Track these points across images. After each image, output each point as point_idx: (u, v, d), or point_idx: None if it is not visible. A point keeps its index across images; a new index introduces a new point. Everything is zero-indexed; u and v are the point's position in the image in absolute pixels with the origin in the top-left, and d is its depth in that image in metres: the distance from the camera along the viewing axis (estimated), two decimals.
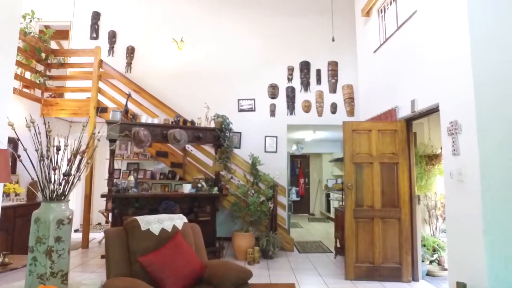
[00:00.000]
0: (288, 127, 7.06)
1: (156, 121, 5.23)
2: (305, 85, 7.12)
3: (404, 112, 4.29)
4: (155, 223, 2.70)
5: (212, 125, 5.62)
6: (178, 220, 2.85)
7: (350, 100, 7.07)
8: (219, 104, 6.95)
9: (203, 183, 5.32)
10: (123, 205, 4.79)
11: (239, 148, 6.88)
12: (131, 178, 5.01)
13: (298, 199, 11.45)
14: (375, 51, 5.59)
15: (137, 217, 2.71)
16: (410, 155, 4.28)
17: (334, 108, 7.07)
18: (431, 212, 5.17)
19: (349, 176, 4.22)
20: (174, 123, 5.34)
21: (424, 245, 4.44)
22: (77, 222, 6.98)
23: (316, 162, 11.85)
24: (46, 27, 6.48)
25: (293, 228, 8.36)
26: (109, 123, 4.81)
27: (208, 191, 5.30)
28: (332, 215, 9.64)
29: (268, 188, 5.51)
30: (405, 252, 4.07)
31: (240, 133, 6.97)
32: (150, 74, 7.15)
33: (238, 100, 7.07)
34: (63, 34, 7.86)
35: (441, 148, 5.15)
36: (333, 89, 7.14)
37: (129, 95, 5.20)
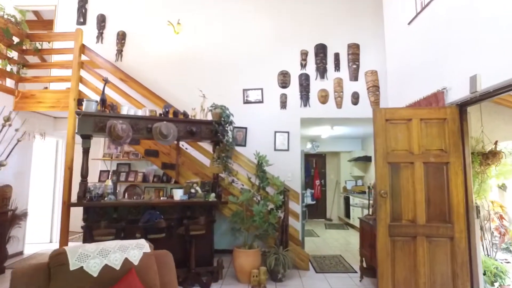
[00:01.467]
0: (301, 121, 6.05)
1: (140, 112, 4.32)
2: (321, 72, 6.09)
3: (456, 94, 3.22)
4: (95, 257, 1.76)
5: (210, 117, 4.66)
6: (134, 251, 1.89)
7: (374, 89, 5.99)
8: (222, 95, 6.01)
9: (198, 188, 4.38)
10: (98, 215, 3.90)
11: (245, 146, 5.92)
12: (109, 182, 4.11)
13: (314, 202, 10.40)
14: (409, 23, 4.50)
15: (68, 248, 1.77)
16: (465, 152, 3.21)
17: (355, 98, 6.01)
18: (484, 224, 4.08)
19: (382, 181, 3.19)
20: (162, 115, 4.42)
21: (484, 272, 3.36)
22: (56, 232, 6.19)
23: (333, 161, 10.77)
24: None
25: (307, 237, 7.34)
26: (80, 115, 3.92)
27: (204, 198, 4.36)
28: (352, 221, 8.55)
29: (277, 194, 4.52)
30: (461, 284, 3.01)
31: (245, 128, 6.00)
32: (143, 62, 6.27)
33: (244, 90, 6.11)
34: (48, 26, 7.11)
35: (495, 144, 4.05)
36: (354, 76, 6.08)
37: (106, 81, 4.30)
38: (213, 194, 4.38)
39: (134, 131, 4.09)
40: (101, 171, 6.08)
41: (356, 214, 8.00)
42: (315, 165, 10.75)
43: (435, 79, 3.62)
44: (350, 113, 5.99)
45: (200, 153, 5.20)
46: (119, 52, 6.37)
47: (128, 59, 6.34)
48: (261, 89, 6.09)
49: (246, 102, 6.09)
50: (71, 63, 5.19)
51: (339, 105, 6.01)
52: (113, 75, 5.46)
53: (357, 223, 8.06)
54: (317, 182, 10.51)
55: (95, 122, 3.97)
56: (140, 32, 6.42)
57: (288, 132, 5.96)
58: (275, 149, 5.92)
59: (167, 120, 4.23)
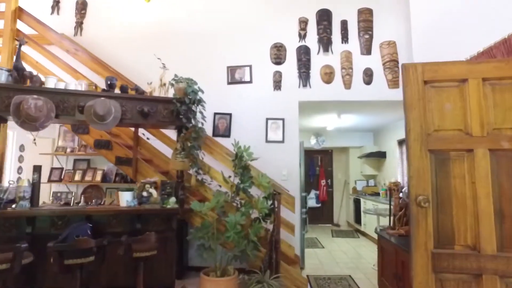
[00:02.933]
0: (300, 106, 4.82)
1: (73, 87, 3.14)
2: (325, 44, 4.85)
3: None
4: None
5: (172, 94, 3.45)
6: None
7: (392, 64, 4.73)
8: (201, 74, 4.81)
9: (152, 191, 3.20)
10: (5, 228, 2.73)
11: (228, 136, 4.73)
12: (24, 182, 2.93)
13: (319, 205, 9.14)
14: None
15: None
16: None
17: (368, 76, 4.75)
18: None
19: (420, 180, 1.95)
20: (105, 89, 3.23)
21: None
22: None
23: (341, 158, 9.49)
24: None
25: (310, 248, 6.10)
26: None
27: (161, 204, 3.17)
28: (363, 227, 7.28)
29: (263, 199, 3.30)
30: None
31: (229, 115, 4.81)
32: (107, 37, 5.13)
33: (228, 68, 4.91)
34: None
35: None
36: (366, 49, 4.83)
37: (20, 42, 3.13)
38: (173, 199, 3.18)
39: (60, 111, 2.92)
40: (52, 169, 4.92)
41: (369, 222, 6.72)
42: (320, 162, 9.49)
43: (503, 19, 2.35)
44: (362, 94, 4.74)
45: (166, 145, 4.02)
46: (79, 24, 5.24)
47: (90, 33, 5.21)
48: (250, 66, 4.89)
49: (231, 82, 4.89)
50: (1, 31, 4.04)
51: (347, 84, 4.76)
52: (61, 49, 4.30)
53: (369, 231, 6.78)
54: (323, 182, 9.24)
55: (1, 97, 2.80)
56: (103, 0, 5.28)
57: (283, 119, 4.74)
58: (266, 141, 4.71)
59: (108, 97, 3.04)
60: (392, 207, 3.51)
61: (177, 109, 3.24)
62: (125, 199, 3.13)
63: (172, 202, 3.17)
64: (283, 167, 4.63)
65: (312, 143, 8.45)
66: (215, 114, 4.81)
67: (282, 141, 4.69)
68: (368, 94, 4.73)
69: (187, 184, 3.36)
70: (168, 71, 3.55)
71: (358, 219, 7.77)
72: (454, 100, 1.98)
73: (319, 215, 9.20)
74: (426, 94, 2.01)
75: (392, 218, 3.47)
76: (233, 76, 4.90)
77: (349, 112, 5.90)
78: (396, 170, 6.84)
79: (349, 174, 8.82)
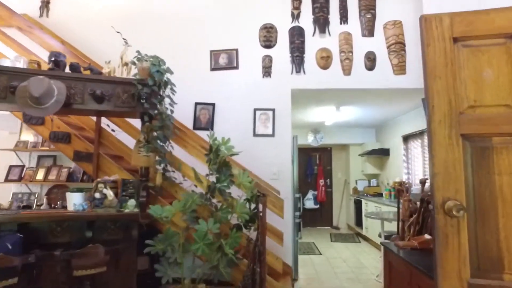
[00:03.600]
0: (293, 95, 4.24)
1: (8, 63, 2.55)
2: (322, 24, 4.26)
3: None
4: None
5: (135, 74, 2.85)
6: None
7: (398, 47, 4.14)
8: (182, 58, 4.26)
9: (108, 192, 2.61)
10: None
11: (211, 129, 4.14)
12: None
13: (317, 206, 8.54)
14: None
15: None
16: None
17: (371, 60, 4.16)
18: None
19: (450, 179, 1.35)
20: (51, 68, 2.63)
21: None
22: None
23: (341, 156, 8.89)
24: None
25: (305, 255, 5.51)
26: None
27: (118, 208, 2.58)
28: (364, 231, 6.68)
29: (242, 202, 2.71)
30: None
31: (212, 105, 4.22)
32: (76, 18, 4.55)
33: (212, 52, 4.32)
34: None
35: None
36: (368, 30, 4.24)
37: None
38: (132, 202, 2.59)
39: None
40: (11, 167, 4.33)
41: (372, 225, 6.12)
42: (318, 161, 8.89)
43: None
44: (363, 81, 4.15)
45: (133, 138, 3.42)
46: (45, 4, 4.65)
47: (57, 15, 4.63)
48: (236, 50, 4.30)
49: (215, 68, 4.30)
50: None
51: (347, 70, 4.17)
52: (7, 24, 3.71)
53: (372, 235, 6.19)
54: (321, 182, 8.65)
55: None
56: None
57: (273, 110, 4.15)
58: (254, 134, 4.12)
59: (52, 76, 2.45)
60: (400, 211, 2.91)
61: (138, 93, 2.65)
62: (73, 201, 2.54)
63: (131, 205, 2.59)
64: (273, 164, 4.05)
65: (310, 140, 7.87)
66: (196, 104, 4.23)
67: (272, 135, 4.10)
68: (371, 81, 4.14)
69: (150, 183, 2.77)
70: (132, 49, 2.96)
71: (359, 222, 7.18)
72: (499, 64, 1.39)
73: (317, 217, 8.61)
74: (456, 57, 1.42)
75: (400, 224, 2.88)
76: (217, 62, 4.31)
77: (349, 104, 5.30)
78: (400, 168, 6.25)
79: (350, 173, 8.23)
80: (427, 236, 2.33)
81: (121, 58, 2.87)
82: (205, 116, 4.22)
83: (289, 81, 4.18)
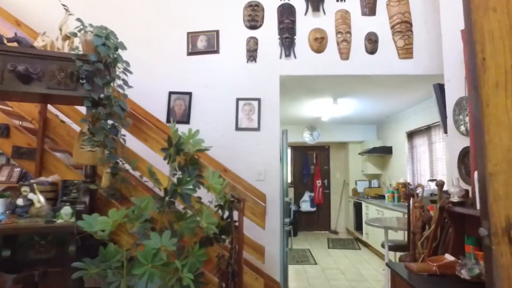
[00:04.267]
0: (282, 82, 3.67)
1: None
2: (315, 1, 3.69)
3: None
4: None
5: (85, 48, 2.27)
6: None
7: (404, 27, 3.58)
8: (153, 41, 3.71)
9: (35, 197, 2.03)
10: None
11: (187, 122, 3.59)
12: None
13: (314, 209, 7.97)
14: None
15: None
16: None
17: (372, 42, 3.59)
18: None
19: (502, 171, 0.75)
20: None
21: None
22: None
23: (340, 155, 8.31)
24: None
25: (298, 264, 4.94)
26: None
27: (48, 218, 2.01)
28: (365, 237, 6.10)
29: (209, 210, 2.13)
30: None
31: (189, 94, 3.65)
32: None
33: (189, 34, 3.75)
34: None
35: None
36: (369, 8, 3.67)
37: None
38: (66, 210, 2.02)
39: None
40: None
41: (373, 230, 5.54)
42: (315, 160, 8.31)
43: None
44: (364, 67, 3.58)
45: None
46: None
47: None
48: (216, 31, 3.72)
49: (193, 52, 3.73)
50: None
51: (344, 54, 3.60)
52: None
53: (373, 241, 5.62)
54: (318, 182, 8.07)
55: None
56: None
57: (259, 100, 3.58)
58: (237, 128, 3.55)
59: None
60: (411, 220, 2.34)
61: (76, 72, 2.07)
62: None
63: (65, 214, 2.01)
64: (258, 163, 3.48)
65: (306, 137, 7.30)
66: (171, 93, 3.66)
67: (258, 129, 3.53)
68: (372, 66, 3.57)
69: (92, 186, 2.19)
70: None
71: (359, 226, 6.60)
72: None
73: (314, 220, 8.03)
74: None
75: (411, 236, 2.30)
76: (195, 45, 3.73)
77: (347, 95, 4.72)
78: (404, 168, 5.67)
79: (349, 174, 7.64)
80: (448, 257, 1.75)
81: (60, 30, 2.29)
82: (180, 107, 3.65)
83: (277, 66, 3.61)
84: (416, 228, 2.19)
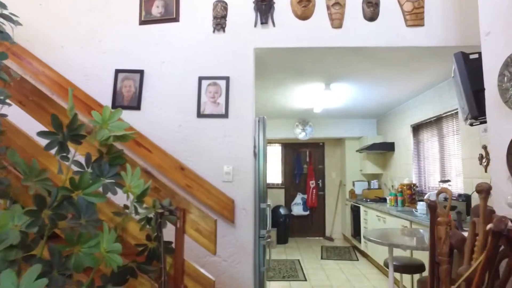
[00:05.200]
0: (259, 57, 2.92)
1: None
2: None
3: None
4: None
5: None
6: None
7: None
8: (98, 8, 2.95)
9: None
10: None
11: (138, 108, 2.83)
12: None
13: (307, 213, 7.20)
14: None
15: None
16: None
17: (372, 6, 2.83)
18: None
19: None
20: None
21: None
22: None
23: (335, 152, 7.55)
24: None
25: (284, 281, 4.17)
26: None
27: None
28: (363, 246, 5.34)
29: (110, 231, 1.36)
30: None
31: (140, 72, 2.89)
32: None
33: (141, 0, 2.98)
34: None
35: None
36: None
37: None
38: None
39: None
40: None
41: (372, 248, 4.76)
42: (309, 158, 7.55)
43: None
44: (361, 37, 2.81)
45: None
46: None
47: None
48: None
49: (146, 21, 2.96)
50: None
51: (336, 20, 2.83)
52: None
53: (372, 252, 4.85)
54: (312, 183, 7.30)
55: None
56: None
57: (227, 79, 2.81)
58: (199, 114, 2.78)
59: None
60: (435, 243, 1.55)
61: None
62: None
63: None
64: (225, 159, 2.71)
65: (297, 133, 6.53)
66: (118, 71, 2.90)
67: (225, 115, 2.76)
68: (372, 36, 2.81)
69: None
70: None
71: (357, 232, 5.84)
72: None
73: (307, 225, 7.26)
74: None
75: (436, 268, 1.52)
76: (149, 12, 2.97)
77: (342, 79, 3.95)
78: (409, 166, 4.90)
79: (346, 173, 6.87)
80: None
81: None
82: (129, 89, 2.88)
83: (251, 37, 2.85)
84: (443, 256, 1.42)
